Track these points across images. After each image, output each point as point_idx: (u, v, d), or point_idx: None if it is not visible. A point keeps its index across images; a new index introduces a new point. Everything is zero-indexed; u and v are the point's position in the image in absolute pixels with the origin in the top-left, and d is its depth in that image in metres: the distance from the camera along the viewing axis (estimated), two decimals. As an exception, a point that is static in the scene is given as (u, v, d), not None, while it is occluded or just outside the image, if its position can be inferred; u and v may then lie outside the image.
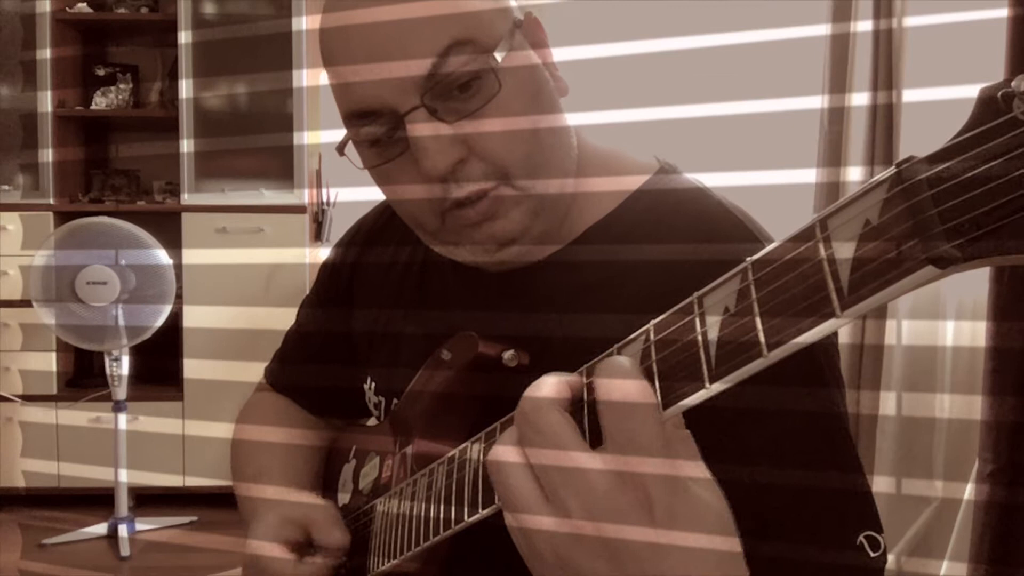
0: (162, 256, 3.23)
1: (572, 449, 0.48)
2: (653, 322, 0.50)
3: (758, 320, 0.41)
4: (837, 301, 0.38)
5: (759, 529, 0.69)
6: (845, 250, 0.38)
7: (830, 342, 0.78)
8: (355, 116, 0.77)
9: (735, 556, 0.50)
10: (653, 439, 0.47)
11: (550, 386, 0.51)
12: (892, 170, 0.36)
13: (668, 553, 0.47)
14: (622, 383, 0.47)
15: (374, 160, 0.78)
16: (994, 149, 0.33)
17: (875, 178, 0.37)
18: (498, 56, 0.74)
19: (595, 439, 0.50)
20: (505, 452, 0.52)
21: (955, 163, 0.34)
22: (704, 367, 0.45)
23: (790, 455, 0.70)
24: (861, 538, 0.69)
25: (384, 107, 0.74)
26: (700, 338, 0.45)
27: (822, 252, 0.39)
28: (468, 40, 0.73)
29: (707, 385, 0.44)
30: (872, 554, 0.68)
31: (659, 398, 0.47)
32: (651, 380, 0.48)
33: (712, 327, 0.44)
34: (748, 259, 0.44)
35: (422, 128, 0.73)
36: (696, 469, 0.49)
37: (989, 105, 0.34)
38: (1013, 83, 0.32)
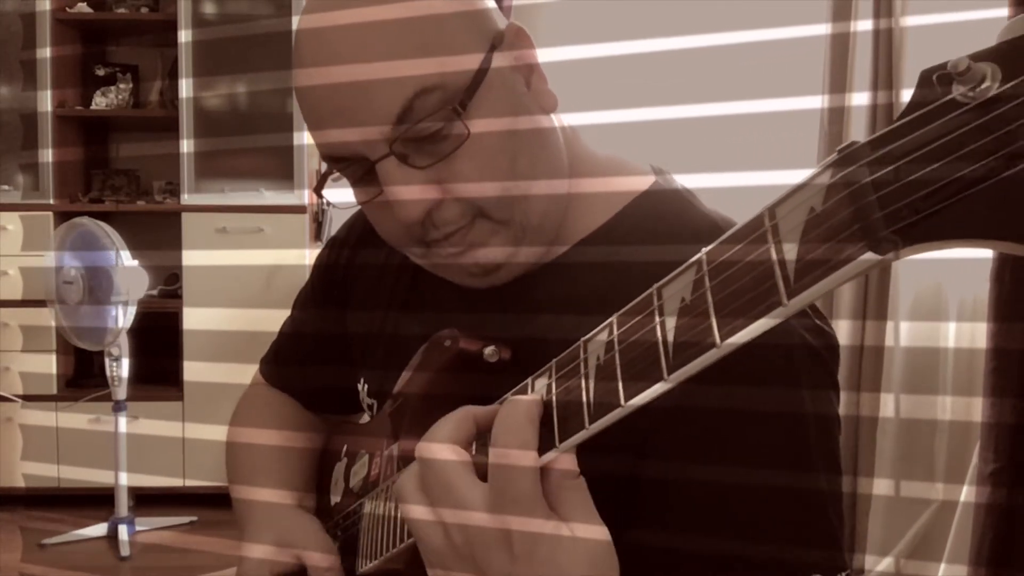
0: (111, 257, 3.21)
1: (460, 485, 0.56)
2: (617, 315, 0.50)
3: (711, 310, 0.41)
4: (784, 290, 0.37)
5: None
6: (791, 238, 0.37)
7: (825, 413, 0.74)
8: (331, 159, 0.77)
9: None
10: (525, 492, 0.53)
11: (446, 432, 0.59)
12: (835, 156, 0.36)
13: None
14: (510, 437, 0.54)
15: (359, 197, 0.79)
16: (932, 132, 0.32)
17: (820, 164, 0.36)
18: (466, 101, 0.71)
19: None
20: (407, 480, 0.60)
21: (895, 147, 0.33)
22: (662, 359, 0.44)
23: (758, 527, 0.68)
24: None
25: (355, 155, 0.74)
26: (658, 329, 0.45)
27: (770, 241, 0.38)
28: (434, 86, 0.70)
29: (665, 377, 0.44)
30: None
31: (622, 393, 0.47)
32: (614, 375, 0.48)
33: (669, 318, 0.44)
34: (703, 249, 0.44)
35: (393, 176, 0.72)
36: (575, 516, 0.55)
37: (928, 87, 0.33)
38: (949, 64, 0.32)
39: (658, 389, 0.45)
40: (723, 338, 0.40)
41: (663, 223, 0.79)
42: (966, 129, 0.31)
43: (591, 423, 0.50)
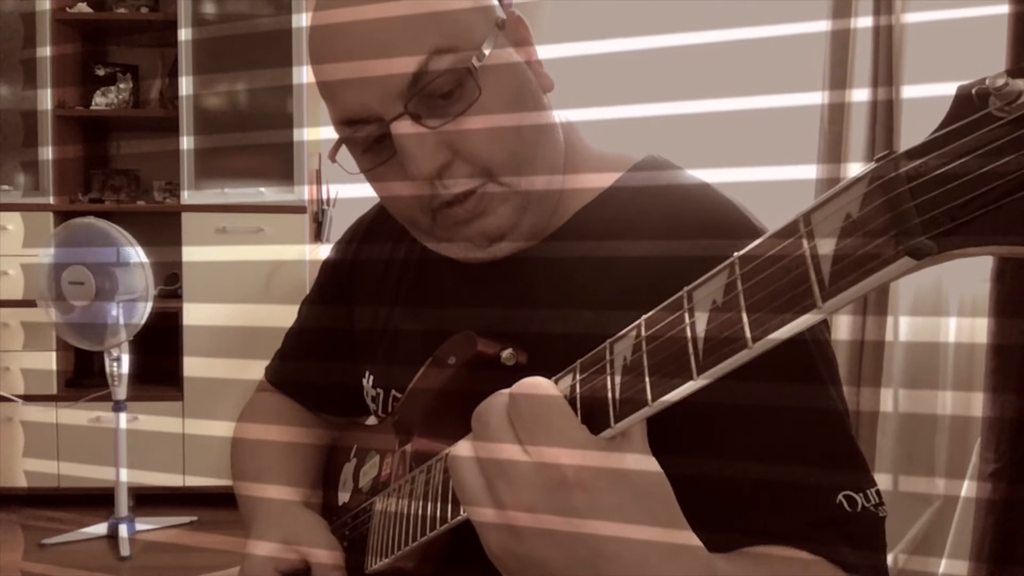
0: (120, 256, 3.21)
1: (504, 442, 0.53)
2: (644, 317, 0.51)
3: (744, 313, 0.43)
4: (819, 293, 0.39)
5: (741, 507, 0.70)
6: (827, 243, 0.39)
7: (823, 338, 0.78)
8: (344, 123, 0.80)
9: (684, 548, 0.53)
10: (561, 428, 0.52)
11: (504, 391, 0.56)
12: (872, 165, 0.37)
13: (607, 538, 0.51)
14: (533, 381, 0.54)
15: (366, 164, 0.82)
16: (969, 144, 0.34)
17: (856, 173, 0.38)
18: (477, 63, 0.76)
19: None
20: (460, 447, 0.57)
21: (932, 158, 0.35)
22: (692, 360, 0.46)
23: (783, 451, 0.71)
24: (840, 497, 0.70)
25: (371, 115, 0.77)
26: (688, 331, 0.46)
27: (805, 246, 0.40)
28: (448, 48, 0.75)
29: (695, 377, 0.46)
30: (849, 510, 0.70)
31: (649, 392, 0.48)
32: (641, 374, 0.49)
33: (700, 321, 0.46)
34: (735, 254, 0.45)
35: (407, 134, 0.75)
36: (631, 461, 0.52)
37: (965, 101, 0.35)
38: (987, 80, 0.34)
39: (688, 388, 0.46)
40: (755, 340, 0.41)
41: (650, 201, 0.83)
42: (1001, 142, 0.33)
43: (616, 423, 0.51)
